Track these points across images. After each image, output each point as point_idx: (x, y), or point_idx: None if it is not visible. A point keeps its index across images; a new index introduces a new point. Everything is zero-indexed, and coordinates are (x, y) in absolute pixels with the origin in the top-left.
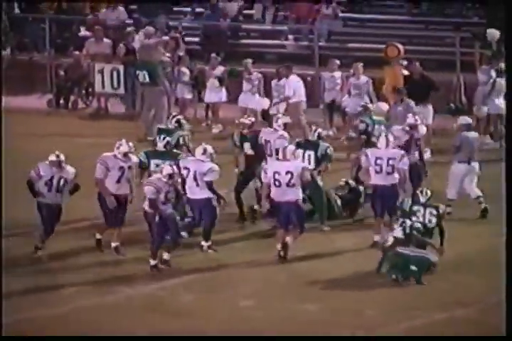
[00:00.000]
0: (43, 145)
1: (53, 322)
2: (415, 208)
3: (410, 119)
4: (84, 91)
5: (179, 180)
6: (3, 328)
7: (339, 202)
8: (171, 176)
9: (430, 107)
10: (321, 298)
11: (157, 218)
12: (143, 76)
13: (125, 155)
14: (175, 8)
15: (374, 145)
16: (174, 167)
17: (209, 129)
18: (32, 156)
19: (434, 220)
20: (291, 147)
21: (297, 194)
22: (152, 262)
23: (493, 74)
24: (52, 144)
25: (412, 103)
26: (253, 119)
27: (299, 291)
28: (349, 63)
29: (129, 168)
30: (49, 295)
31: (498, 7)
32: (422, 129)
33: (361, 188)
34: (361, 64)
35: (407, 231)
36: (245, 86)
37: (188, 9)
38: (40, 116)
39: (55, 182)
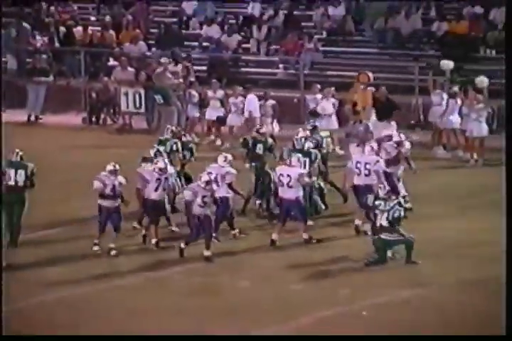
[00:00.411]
0: (79, 155)
1: (88, 298)
2: (377, 202)
3: (396, 137)
4: (112, 111)
5: (215, 187)
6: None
7: (319, 200)
8: (207, 183)
9: (394, 123)
10: (306, 279)
11: (196, 218)
12: (158, 98)
13: (161, 170)
14: (186, 43)
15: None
16: (211, 175)
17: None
18: (71, 164)
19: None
20: (298, 155)
21: (296, 193)
22: (182, 245)
23: (445, 96)
24: (86, 154)
25: (370, 124)
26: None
27: (289, 273)
28: (328, 87)
29: (166, 179)
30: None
31: (451, 42)
32: (407, 145)
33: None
34: (332, 88)
35: (390, 219)
36: (232, 108)
37: (196, 43)
38: (76, 131)
39: (117, 188)
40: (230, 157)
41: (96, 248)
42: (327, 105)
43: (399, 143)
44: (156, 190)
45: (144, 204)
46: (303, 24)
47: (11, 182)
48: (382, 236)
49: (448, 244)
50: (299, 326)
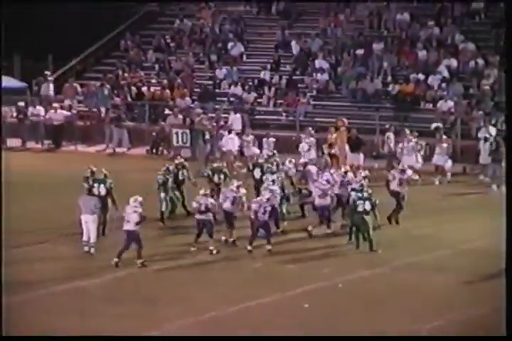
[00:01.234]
0: (144, 175)
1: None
2: (359, 202)
3: (400, 166)
4: (167, 145)
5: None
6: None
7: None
8: (268, 199)
9: (361, 154)
10: (298, 261)
11: (257, 224)
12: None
13: (237, 187)
14: (218, 98)
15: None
16: (270, 194)
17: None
18: (137, 181)
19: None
20: (325, 174)
21: (319, 200)
22: (249, 247)
23: (392, 136)
24: (149, 175)
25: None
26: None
27: (286, 256)
28: (316, 130)
29: (240, 197)
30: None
31: (401, 98)
32: (409, 172)
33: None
34: (312, 131)
35: (373, 204)
36: (245, 142)
37: (225, 99)
38: (142, 159)
39: (208, 206)
40: (274, 177)
41: (193, 248)
42: (304, 144)
43: (403, 170)
44: (233, 204)
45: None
46: (299, 85)
47: (96, 193)
48: (365, 217)
49: (399, 237)
50: (294, 295)
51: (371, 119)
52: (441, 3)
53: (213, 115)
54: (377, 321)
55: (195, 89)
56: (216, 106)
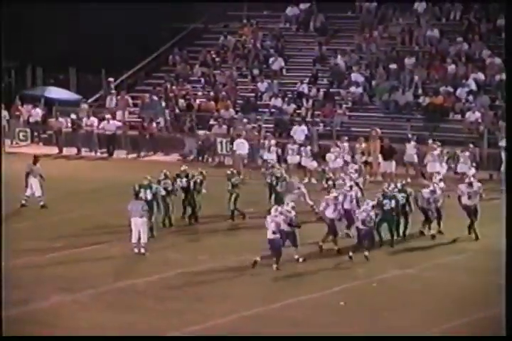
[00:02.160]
0: None
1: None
2: (385, 202)
3: (467, 180)
4: (212, 153)
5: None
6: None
7: None
8: (373, 206)
9: (393, 162)
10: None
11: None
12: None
13: (335, 198)
14: (260, 109)
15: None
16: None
17: None
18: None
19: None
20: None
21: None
22: (350, 253)
23: (414, 143)
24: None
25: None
26: None
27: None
28: (351, 138)
29: (339, 204)
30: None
31: (431, 110)
32: (476, 185)
33: None
34: (346, 138)
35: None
36: (290, 150)
37: (266, 110)
38: (190, 165)
39: (293, 219)
40: (351, 183)
41: (297, 256)
42: (330, 154)
43: (470, 184)
44: (334, 211)
45: (327, 221)
46: (336, 97)
47: (143, 198)
48: (393, 213)
49: (428, 239)
50: (334, 292)
51: (403, 129)
52: (469, 21)
53: (255, 125)
54: (406, 319)
55: (239, 101)
56: (258, 117)
